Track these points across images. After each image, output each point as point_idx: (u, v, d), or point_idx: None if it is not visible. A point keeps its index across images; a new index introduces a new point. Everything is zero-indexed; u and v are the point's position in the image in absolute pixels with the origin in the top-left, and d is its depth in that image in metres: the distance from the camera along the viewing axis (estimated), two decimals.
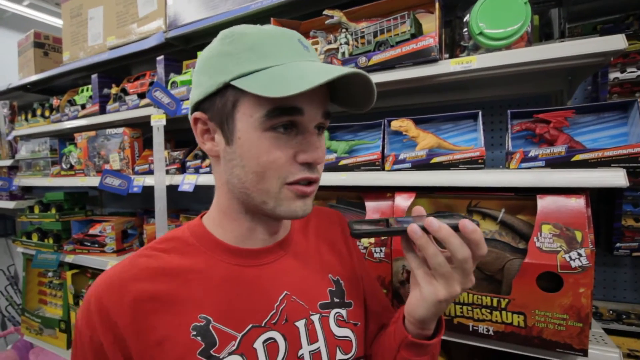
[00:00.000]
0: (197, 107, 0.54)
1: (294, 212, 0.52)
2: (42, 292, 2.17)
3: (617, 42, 0.78)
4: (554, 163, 0.85)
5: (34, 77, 2.03)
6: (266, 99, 0.46)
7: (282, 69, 0.47)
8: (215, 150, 0.54)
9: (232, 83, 0.48)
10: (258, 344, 0.52)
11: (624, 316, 1.18)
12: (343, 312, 0.62)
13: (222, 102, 0.50)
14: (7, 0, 5.43)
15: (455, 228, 0.47)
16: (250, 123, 0.49)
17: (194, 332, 0.49)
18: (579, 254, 0.77)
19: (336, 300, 0.63)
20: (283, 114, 0.48)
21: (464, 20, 0.99)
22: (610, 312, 1.22)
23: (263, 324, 0.54)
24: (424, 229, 0.47)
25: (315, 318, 0.58)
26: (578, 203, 0.81)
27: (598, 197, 1.20)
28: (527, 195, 0.89)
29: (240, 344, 0.51)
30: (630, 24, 1.15)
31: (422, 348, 0.56)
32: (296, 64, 0.48)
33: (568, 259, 0.77)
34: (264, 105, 0.47)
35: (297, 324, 0.56)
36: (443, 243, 0.47)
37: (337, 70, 0.45)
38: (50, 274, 2.06)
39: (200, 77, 0.52)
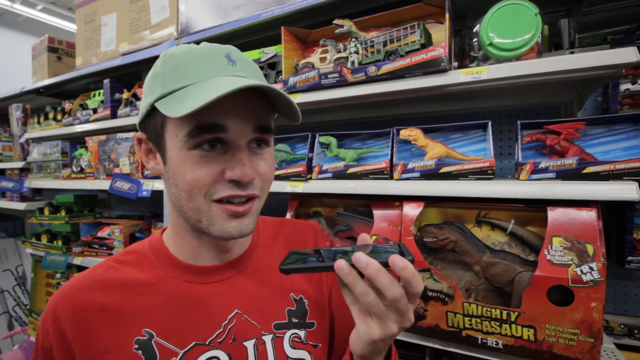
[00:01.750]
0: (140, 127, 0.56)
1: (227, 233, 0.51)
2: (50, 294, 2.19)
3: (628, 54, 0.77)
4: (564, 175, 0.84)
5: (47, 81, 2.07)
6: (188, 118, 0.46)
7: (194, 86, 0.47)
8: (157, 169, 0.55)
9: (155, 104, 0.49)
10: None
11: (636, 331, 1.15)
12: (301, 333, 0.60)
13: (153, 123, 0.52)
14: (22, 5, 5.57)
15: (387, 265, 0.43)
16: (175, 143, 0.49)
17: (136, 346, 0.50)
18: (591, 268, 0.76)
19: (295, 320, 0.60)
20: (204, 132, 0.47)
21: (474, 30, 0.99)
22: (622, 326, 1.19)
23: (207, 342, 0.53)
24: (354, 265, 0.43)
25: (267, 338, 0.57)
26: (589, 216, 0.81)
27: (609, 209, 1.19)
28: (537, 207, 0.88)
29: None
30: None
31: None
32: (213, 80, 0.48)
33: (579, 273, 0.76)
34: (185, 124, 0.47)
35: (245, 343, 0.55)
36: (371, 281, 0.43)
37: (233, 85, 0.44)
38: (58, 275, 2.08)
39: (142, 98, 0.54)
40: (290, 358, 0.57)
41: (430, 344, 0.94)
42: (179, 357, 0.51)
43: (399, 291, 0.43)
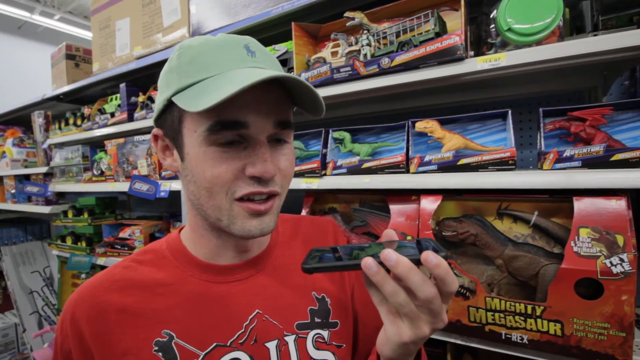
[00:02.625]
0: (156, 123, 0.54)
1: (248, 232, 0.49)
2: None
3: None
4: (591, 163, 0.80)
5: (66, 88, 2.13)
6: (207, 113, 0.44)
7: (214, 79, 0.45)
8: (175, 167, 0.54)
9: (172, 99, 0.47)
10: None
11: None
12: (324, 333, 0.58)
13: (170, 118, 0.50)
14: (40, 15, 5.76)
15: (418, 262, 0.39)
16: (194, 138, 0.47)
17: (156, 348, 0.49)
18: (621, 259, 0.73)
19: (317, 320, 0.58)
20: (224, 129, 0.46)
21: (491, 16, 0.96)
22: None
23: (229, 344, 0.52)
24: (381, 263, 0.40)
25: (290, 339, 0.55)
26: (619, 205, 0.77)
27: (639, 199, 1.13)
28: (562, 198, 0.85)
29: None
30: None
31: None
32: (233, 72, 0.46)
33: (609, 265, 0.73)
34: (205, 119, 0.45)
35: (267, 344, 0.54)
36: (401, 280, 0.39)
37: (257, 75, 0.42)
38: (83, 275, 2.15)
39: (158, 93, 0.52)
40: (314, 359, 0.56)
41: (452, 340, 0.93)
42: (199, 359, 0.50)
43: (433, 290, 0.39)
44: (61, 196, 2.44)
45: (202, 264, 0.56)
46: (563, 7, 0.83)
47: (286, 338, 0.55)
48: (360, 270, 0.41)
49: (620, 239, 0.74)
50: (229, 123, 0.45)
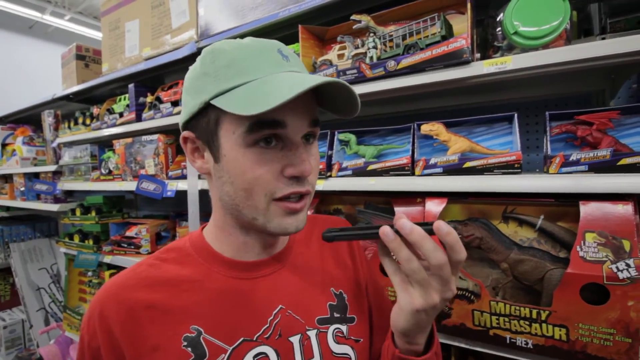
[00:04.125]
0: (185, 126, 0.55)
1: (285, 229, 0.52)
2: (82, 291, 2.29)
3: None
4: (598, 167, 0.80)
5: (76, 88, 2.16)
6: (246, 115, 0.46)
7: (257, 83, 0.47)
8: (205, 168, 0.55)
9: (212, 102, 0.48)
10: (248, 359, 0.52)
11: None
12: (343, 327, 0.60)
13: (205, 121, 0.51)
14: (51, 16, 5.85)
15: (430, 232, 0.45)
16: (233, 140, 0.49)
17: (185, 343, 0.50)
18: (628, 265, 0.72)
19: (336, 315, 0.61)
20: (264, 128, 0.47)
21: (497, 19, 0.96)
22: None
23: (255, 338, 0.53)
24: (397, 232, 0.45)
25: (312, 334, 0.57)
26: (625, 210, 0.76)
27: None
28: (568, 202, 0.85)
29: (230, 357, 0.51)
30: None
31: None
32: (273, 76, 0.47)
33: (615, 270, 0.73)
34: (244, 121, 0.47)
35: (291, 339, 0.55)
36: (415, 247, 0.44)
37: (311, 81, 0.44)
38: (89, 273, 2.18)
39: (186, 97, 0.53)
40: (335, 353, 0.57)
41: (456, 343, 0.92)
42: (227, 354, 0.51)
43: (443, 257, 0.44)
44: (69, 194, 2.47)
45: (227, 260, 0.57)
46: (570, 11, 0.83)
47: (308, 332, 0.57)
48: (377, 239, 0.47)
49: (626, 244, 0.74)
50: (267, 122, 0.47)
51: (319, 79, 0.45)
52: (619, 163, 0.78)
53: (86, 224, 2.08)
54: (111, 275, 1.96)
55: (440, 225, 0.43)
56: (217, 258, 0.57)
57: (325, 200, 1.29)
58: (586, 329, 0.76)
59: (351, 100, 0.52)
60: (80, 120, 2.24)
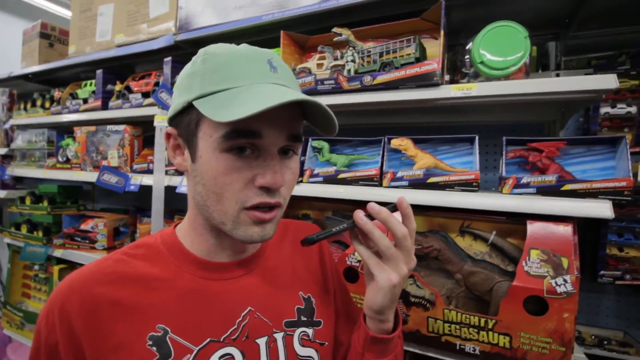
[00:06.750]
0: (170, 122, 0.56)
1: (250, 237, 0.52)
2: (26, 286, 2.13)
3: (609, 81, 0.82)
4: (544, 191, 0.88)
5: (37, 68, 2.03)
6: (216, 121, 0.46)
7: (237, 91, 0.47)
8: (184, 166, 0.55)
9: (193, 103, 0.49)
10: (214, 359, 0.52)
11: (606, 342, 1.21)
12: (309, 331, 0.62)
13: (187, 119, 0.51)
14: None
15: (393, 210, 0.54)
16: (209, 143, 0.49)
17: (150, 342, 0.49)
18: (565, 280, 0.80)
19: (304, 318, 0.62)
20: (239, 137, 0.48)
21: (467, 47, 1.03)
22: (593, 337, 1.25)
23: (222, 339, 0.53)
24: (369, 216, 0.54)
25: (278, 336, 0.58)
26: (566, 231, 0.85)
27: (585, 225, 1.24)
28: (517, 220, 0.92)
29: (196, 357, 0.51)
30: (623, 62, 1.21)
31: (384, 344, 0.58)
32: (255, 86, 0.48)
33: (554, 284, 0.80)
34: (222, 126, 0.47)
35: (258, 341, 0.56)
36: (384, 223, 0.53)
37: (286, 97, 0.44)
38: (36, 267, 2.03)
39: (176, 93, 0.54)
40: (300, 356, 0.59)
41: (411, 349, 0.97)
42: (193, 354, 0.50)
43: (405, 229, 0.52)
44: (19, 181, 2.30)
45: (198, 260, 0.57)
46: (530, 47, 0.91)
47: (275, 335, 0.58)
48: (351, 230, 0.56)
49: (565, 262, 0.82)
50: (244, 131, 0.48)
51: (295, 95, 0.46)
52: (562, 188, 0.87)
53: (36, 213, 1.95)
54: (61, 270, 1.84)
55: (403, 200, 0.53)
56: (188, 257, 0.57)
57: (294, 205, 1.30)
58: (527, 338, 0.83)
59: (329, 120, 0.53)
60: (38, 103, 2.10)
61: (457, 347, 0.90)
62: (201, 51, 0.52)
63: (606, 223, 1.16)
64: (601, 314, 1.32)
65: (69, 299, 0.49)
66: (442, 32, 0.97)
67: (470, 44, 0.99)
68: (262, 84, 0.49)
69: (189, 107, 0.50)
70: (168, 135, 0.56)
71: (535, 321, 0.81)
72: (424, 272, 1.03)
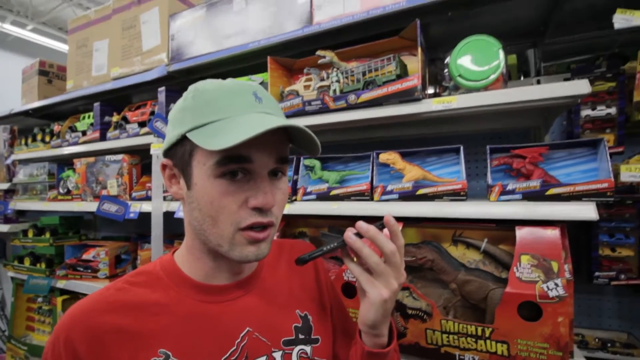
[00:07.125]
0: (165, 154, 0.60)
1: (245, 257, 0.55)
2: (31, 319, 2.13)
3: (582, 87, 0.86)
4: (530, 196, 0.90)
5: (37, 104, 2.09)
6: (209, 149, 0.50)
7: (226, 122, 0.51)
8: (179, 194, 0.59)
9: (187, 135, 0.53)
10: None
11: (609, 344, 1.20)
12: (307, 348, 0.63)
13: (182, 151, 0.55)
14: (12, 25, 5.61)
15: (380, 227, 0.57)
16: (203, 171, 0.53)
17: None
18: (556, 284, 0.81)
19: (301, 336, 0.64)
20: (231, 163, 0.51)
21: (445, 62, 1.07)
22: (596, 340, 1.24)
23: None
24: (358, 235, 0.56)
25: (277, 355, 0.60)
26: (553, 234, 0.86)
27: (579, 227, 1.26)
28: (507, 227, 0.94)
29: None
30: (600, 65, 1.24)
31: (380, 358, 0.59)
32: (242, 116, 0.52)
33: (546, 289, 0.81)
34: (214, 154, 0.51)
35: None
36: (372, 241, 0.55)
37: (271, 124, 0.49)
38: (40, 299, 2.04)
39: (169, 127, 0.58)
40: None
41: None
42: None
43: (393, 246, 0.55)
44: (22, 214, 2.33)
45: (197, 284, 0.59)
46: (505, 58, 0.95)
47: (274, 354, 0.59)
48: (342, 247, 0.57)
49: (555, 265, 0.83)
50: (236, 157, 0.52)
51: (280, 122, 0.50)
52: (547, 193, 0.89)
53: (39, 246, 1.97)
54: (64, 301, 1.85)
55: (390, 218, 0.56)
56: (187, 282, 0.59)
57: (290, 224, 1.32)
58: (524, 344, 0.83)
59: (311, 142, 0.58)
60: (39, 137, 2.15)
61: (457, 358, 0.90)
62: (191, 87, 0.57)
63: (596, 224, 1.18)
64: (604, 316, 1.31)
65: (74, 329, 0.51)
66: (419, 49, 1.01)
67: (448, 57, 1.03)
68: (250, 113, 0.53)
69: (182, 139, 0.54)
70: (164, 167, 0.60)
71: (531, 327, 0.82)
72: (420, 283, 1.04)
